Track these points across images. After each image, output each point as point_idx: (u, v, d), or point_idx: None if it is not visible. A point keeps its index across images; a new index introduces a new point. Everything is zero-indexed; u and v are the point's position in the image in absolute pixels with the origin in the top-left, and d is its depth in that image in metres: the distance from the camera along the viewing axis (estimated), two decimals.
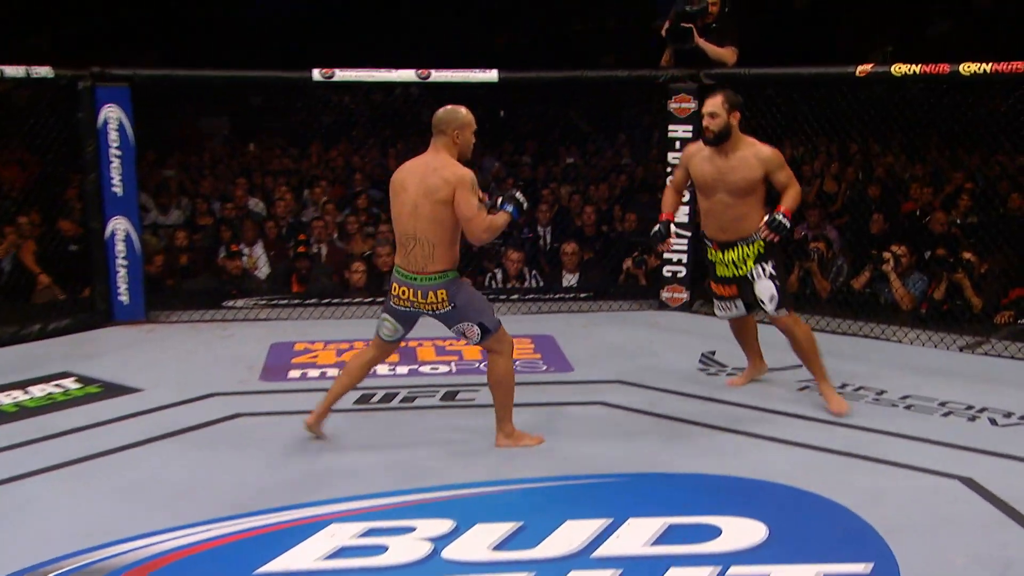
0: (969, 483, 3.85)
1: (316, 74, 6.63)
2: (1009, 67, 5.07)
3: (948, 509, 3.65)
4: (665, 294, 7.14)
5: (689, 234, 6.97)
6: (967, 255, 6.51)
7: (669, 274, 7.12)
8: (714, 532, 3.42)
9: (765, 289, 4.70)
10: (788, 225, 4.60)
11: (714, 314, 5.12)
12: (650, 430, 4.56)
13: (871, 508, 3.62)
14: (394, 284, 4.13)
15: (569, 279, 7.66)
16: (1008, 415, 4.63)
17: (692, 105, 6.79)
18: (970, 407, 4.78)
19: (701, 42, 6.70)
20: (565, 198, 9.22)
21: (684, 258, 7.04)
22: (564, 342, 6.11)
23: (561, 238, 8.14)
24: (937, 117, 9.54)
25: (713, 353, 5.83)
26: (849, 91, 6.47)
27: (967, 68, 5.23)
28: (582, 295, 7.35)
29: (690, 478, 3.97)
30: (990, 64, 5.14)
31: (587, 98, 10.57)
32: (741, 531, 3.43)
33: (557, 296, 7.37)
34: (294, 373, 5.50)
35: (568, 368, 5.57)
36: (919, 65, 5.53)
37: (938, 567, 3.21)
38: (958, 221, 7.87)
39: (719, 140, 4.61)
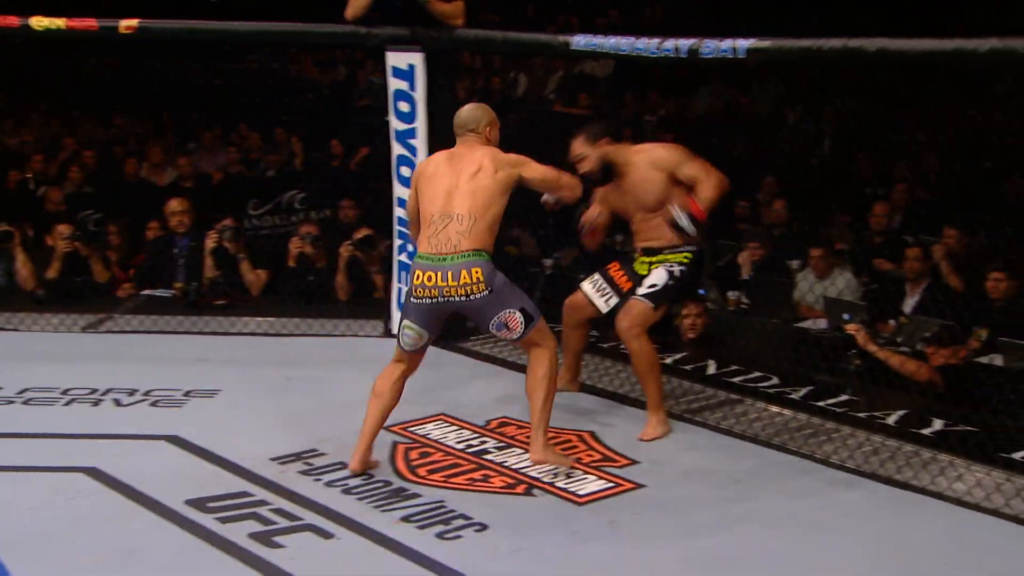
0: (93, 473, 3.95)
1: None
2: (83, 24, 5.15)
3: (73, 506, 3.70)
4: None
5: None
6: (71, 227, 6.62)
7: None
8: None
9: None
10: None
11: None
12: None
13: None
14: (416, 272, 3.87)
15: None
16: (132, 392, 4.85)
17: None
18: (94, 390, 4.87)
19: None
20: None
21: None
22: None
23: None
24: (45, 77, 9.52)
25: None
26: None
27: (39, 23, 5.15)
28: None
29: None
30: (64, 20, 5.15)
31: None
32: None
33: None
34: None
35: None
36: None
37: (65, 573, 3.27)
38: (75, 191, 8.03)
39: (607, 177, 4.48)
